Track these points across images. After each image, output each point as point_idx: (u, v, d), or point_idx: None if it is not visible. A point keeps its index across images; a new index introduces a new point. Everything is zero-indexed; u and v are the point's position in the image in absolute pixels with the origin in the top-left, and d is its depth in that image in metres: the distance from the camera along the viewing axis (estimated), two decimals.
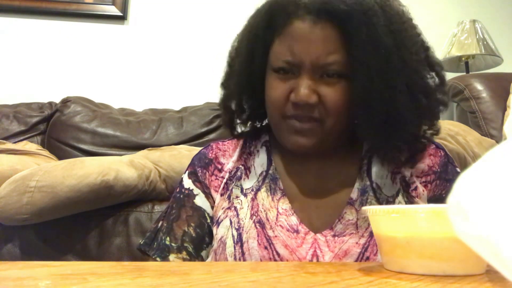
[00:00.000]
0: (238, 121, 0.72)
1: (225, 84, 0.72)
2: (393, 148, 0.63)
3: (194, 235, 0.67)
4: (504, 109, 1.75)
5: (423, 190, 0.66)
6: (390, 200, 0.64)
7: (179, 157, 1.35)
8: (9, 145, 1.58)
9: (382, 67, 0.57)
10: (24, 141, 1.72)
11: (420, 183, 0.66)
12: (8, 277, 0.36)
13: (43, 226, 1.10)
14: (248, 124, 0.73)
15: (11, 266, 0.42)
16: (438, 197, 0.66)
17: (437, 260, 0.38)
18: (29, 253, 1.11)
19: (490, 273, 0.39)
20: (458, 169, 0.68)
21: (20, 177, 1.06)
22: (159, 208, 1.21)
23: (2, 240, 1.11)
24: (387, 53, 0.58)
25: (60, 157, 1.62)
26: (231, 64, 0.72)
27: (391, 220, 0.41)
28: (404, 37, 0.60)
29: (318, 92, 0.59)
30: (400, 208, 0.42)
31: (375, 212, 0.42)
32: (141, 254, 0.70)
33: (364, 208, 0.44)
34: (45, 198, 1.03)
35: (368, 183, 0.65)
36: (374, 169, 0.67)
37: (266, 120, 0.73)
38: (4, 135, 1.74)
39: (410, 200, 0.65)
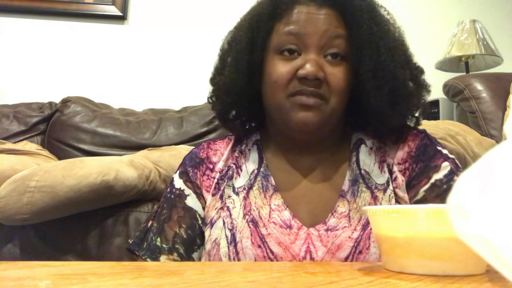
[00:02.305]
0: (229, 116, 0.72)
1: (215, 79, 0.71)
2: (399, 118, 0.67)
3: (185, 236, 0.67)
4: (504, 109, 1.75)
5: (402, 180, 0.66)
6: (379, 188, 0.65)
7: (179, 157, 1.35)
8: (9, 145, 1.58)
9: (385, 43, 0.63)
10: (24, 141, 1.72)
11: (399, 171, 0.66)
12: (8, 277, 0.36)
13: (43, 226, 1.10)
14: (237, 122, 0.72)
15: (11, 266, 0.42)
16: (413, 178, 0.66)
17: (437, 260, 0.38)
18: (29, 253, 1.11)
19: (490, 273, 0.39)
20: (440, 148, 0.67)
21: (20, 177, 1.06)
22: None
23: (2, 240, 1.11)
24: (386, 30, 0.65)
25: (60, 157, 1.62)
26: (222, 57, 0.71)
27: (391, 220, 0.41)
28: (394, 22, 0.68)
29: (324, 71, 0.62)
30: (400, 208, 0.42)
31: (375, 212, 0.42)
32: (130, 254, 0.69)
33: (364, 208, 0.44)
34: (45, 198, 1.03)
35: (357, 171, 0.67)
36: (362, 158, 0.68)
37: (253, 123, 0.75)
38: (4, 135, 1.74)
39: (393, 190, 0.66)
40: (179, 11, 2.30)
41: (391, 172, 0.67)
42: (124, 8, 2.25)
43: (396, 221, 0.40)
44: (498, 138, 1.63)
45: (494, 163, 0.23)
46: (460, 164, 0.68)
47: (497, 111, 1.74)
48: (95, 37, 2.23)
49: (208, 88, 0.73)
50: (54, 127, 1.81)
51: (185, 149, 1.44)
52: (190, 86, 2.19)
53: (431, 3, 2.47)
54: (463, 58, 2.17)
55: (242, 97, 0.68)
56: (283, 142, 0.70)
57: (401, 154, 0.67)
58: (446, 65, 2.23)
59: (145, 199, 1.22)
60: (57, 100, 1.93)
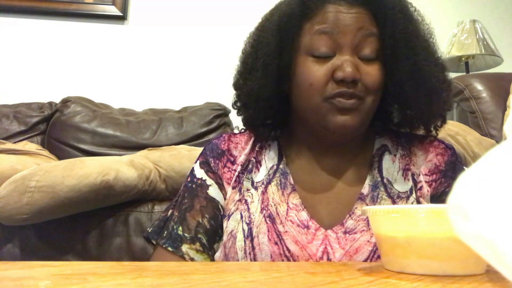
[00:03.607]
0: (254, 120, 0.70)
1: (239, 83, 0.69)
2: (433, 116, 0.67)
3: (208, 226, 0.66)
4: (504, 109, 1.75)
5: (428, 191, 0.66)
6: (402, 196, 0.65)
7: (179, 157, 1.35)
8: (9, 145, 1.58)
9: (419, 42, 0.63)
10: (24, 141, 1.72)
11: (426, 182, 0.66)
12: (8, 277, 0.36)
13: (43, 226, 1.10)
14: (264, 128, 0.70)
15: (11, 266, 0.42)
16: (440, 193, 0.66)
17: (437, 260, 0.38)
18: (29, 253, 1.11)
19: (490, 273, 0.39)
20: (466, 168, 0.69)
21: (20, 177, 1.06)
22: (159, 208, 1.21)
23: (2, 240, 1.11)
24: (416, 29, 0.64)
25: (60, 157, 1.62)
26: (245, 61, 0.69)
27: (391, 220, 0.41)
28: (423, 19, 0.68)
29: (359, 71, 0.61)
30: (400, 208, 0.42)
31: (375, 212, 0.42)
32: (147, 243, 0.68)
33: (364, 208, 0.44)
34: (45, 198, 1.03)
35: (379, 179, 0.66)
36: (385, 166, 0.67)
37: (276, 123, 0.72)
38: (4, 135, 1.74)
39: (417, 199, 0.65)
40: (179, 11, 2.30)
41: (415, 181, 0.66)
42: (124, 8, 2.25)
43: (396, 221, 0.40)
44: (498, 138, 1.63)
45: (494, 163, 0.23)
46: None
47: (497, 111, 1.74)
48: (95, 37, 2.23)
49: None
50: (54, 127, 1.81)
51: (185, 149, 1.44)
52: (190, 86, 2.19)
53: (431, 3, 2.47)
54: (463, 58, 2.17)
55: (271, 101, 0.67)
56: (307, 141, 0.69)
57: (428, 165, 0.67)
58: (446, 65, 2.23)
59: (145, 199, 1.22)
60: (57, 100, 1.93)
